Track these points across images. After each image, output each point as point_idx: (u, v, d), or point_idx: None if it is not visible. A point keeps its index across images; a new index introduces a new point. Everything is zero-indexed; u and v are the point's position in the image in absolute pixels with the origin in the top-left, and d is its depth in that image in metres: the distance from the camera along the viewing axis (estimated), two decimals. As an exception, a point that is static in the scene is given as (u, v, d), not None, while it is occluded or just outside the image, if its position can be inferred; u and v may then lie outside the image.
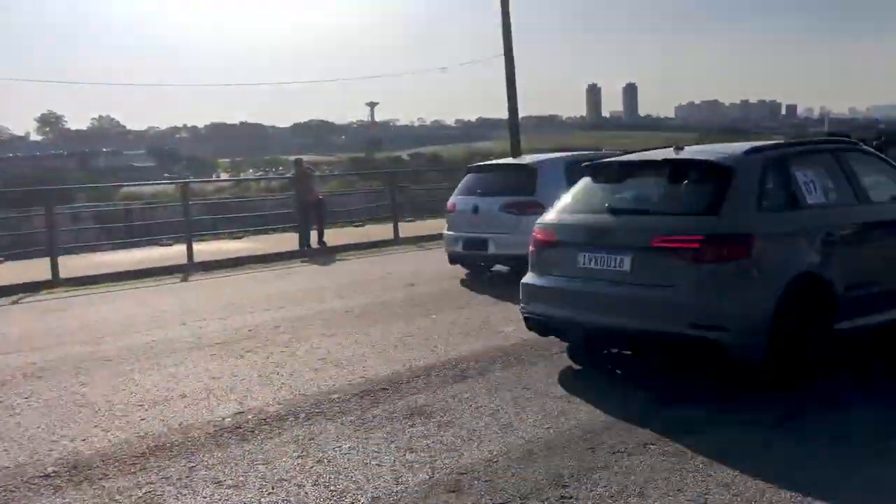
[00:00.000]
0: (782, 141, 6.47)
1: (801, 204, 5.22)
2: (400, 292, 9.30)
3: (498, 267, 9.97)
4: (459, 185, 10.64)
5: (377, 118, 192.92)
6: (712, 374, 5.05)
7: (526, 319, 5.83)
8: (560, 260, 5.59)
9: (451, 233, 10.28)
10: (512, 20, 21.87)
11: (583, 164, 6.21)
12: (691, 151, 5.79)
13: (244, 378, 5.68)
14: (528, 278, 5.84)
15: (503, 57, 22.15)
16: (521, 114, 25.71)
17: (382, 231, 16.07)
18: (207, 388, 5.44)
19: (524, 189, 9.30)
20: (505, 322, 7.09)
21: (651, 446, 3.95)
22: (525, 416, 4.53)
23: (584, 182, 5.96)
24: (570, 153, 10.77)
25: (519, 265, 7.16)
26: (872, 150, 6.83)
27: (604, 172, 5.99)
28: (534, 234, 5.85)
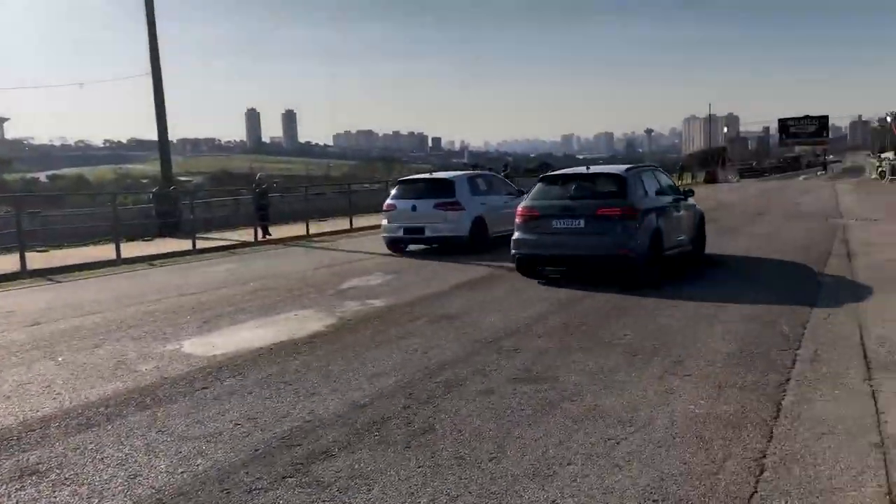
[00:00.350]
0: (635, 164, 12.14)
1: (649, 195, 10.42)
2: (21, 333, 8.15)
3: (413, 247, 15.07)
4: (394, 192, 15.49)
5: (7, 136, 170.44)
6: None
7: (518, 259, 10.56)
8: (540, 225, 10.22)
9: (392, 224, 14.74)
10: (163, 41, 20.87)
11: (540, 175, 12.46)
12: (600, 168, 12.02)
13: None
14: (518, 236, 10.39)
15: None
16: (177, 135, 24.58)
17: (7, 263, 14.00)
18: None
19: (448, 194, 14.47)
20: (143, 360, 6.57)
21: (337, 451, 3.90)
22: (157, 463, 4.19)
23: (540, 185, 10.88)
24: (468, 172, 18.55)
25: (443, 243, 14.42)
26: (661, 169, 12.72)
27: (552, 180, 11.09)
28: (520, 211, 10.52)
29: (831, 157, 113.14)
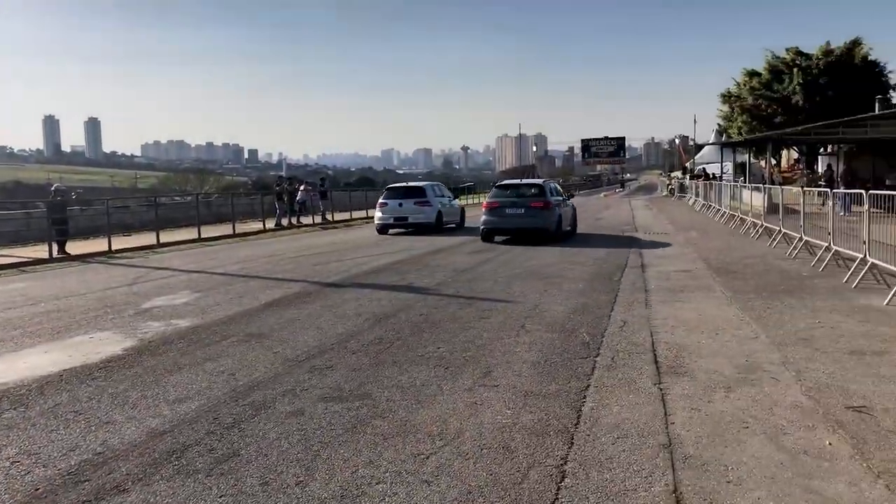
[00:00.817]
0: (546, 179, 25.45)
1: (554, 196, 19.10)
2: None
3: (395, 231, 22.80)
4: (384, 195, 23.50)
5: None
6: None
7: (484, 231, 18.39)
8: (499, 211, 18.23)
9: (385, 215, 22.62)
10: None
11: (494, 183, 28.23)
12: (529, 180, 24.55)
13: None
14: (485, 218, 18.33)
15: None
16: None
17: None
18: None
19: (422, 196, 22.81)
20: None
21: None
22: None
23: (496, 189, 19.77)
24: (432, 182, 27.34)
25: (419, 228, 22.22)
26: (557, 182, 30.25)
27: (503, 186, 19.88)
28: (486, 204, 18.86)
29: (629, 175, 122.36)
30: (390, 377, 5.96)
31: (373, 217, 25.15)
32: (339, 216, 33.94)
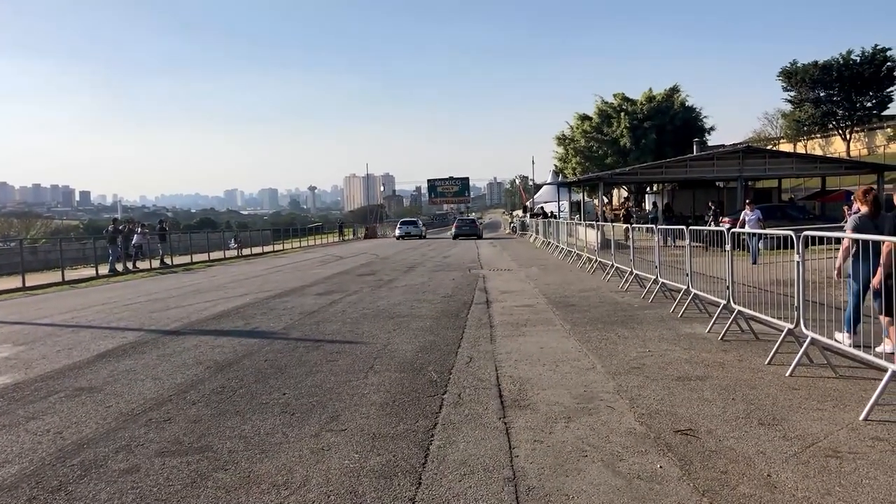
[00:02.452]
0: (479, 215, 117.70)
1: (481, 222, 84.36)
2: None
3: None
4: (401, 222, 63.59)
5: None
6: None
7: (455, 235, 54.04)
8: (460, 227, 56.00)
9: (401, 231, 58.19)
10: None
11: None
12: (472, 216, 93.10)
13: None
14: (453, 230, 56.04)
15: None
16: None
17: None
18: None
19: (415, 224, 62.95)
20: None
21: None
22: None
23: (457, 220, 62.77)
24: (416, 217, 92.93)
25: (417, 237, 58.68)
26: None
27: (461, 221, 60.55)
28: (454, 225, 58.38)
29: (474, 214, 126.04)
30: (233, 427, 5.74)
31: (215, 260, 33.04)
32: (179, 259, 32.54)
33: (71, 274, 24.71)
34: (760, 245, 16.68)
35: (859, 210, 8.15)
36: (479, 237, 53.08)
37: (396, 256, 30.92)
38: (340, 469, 4.72)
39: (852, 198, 9.39)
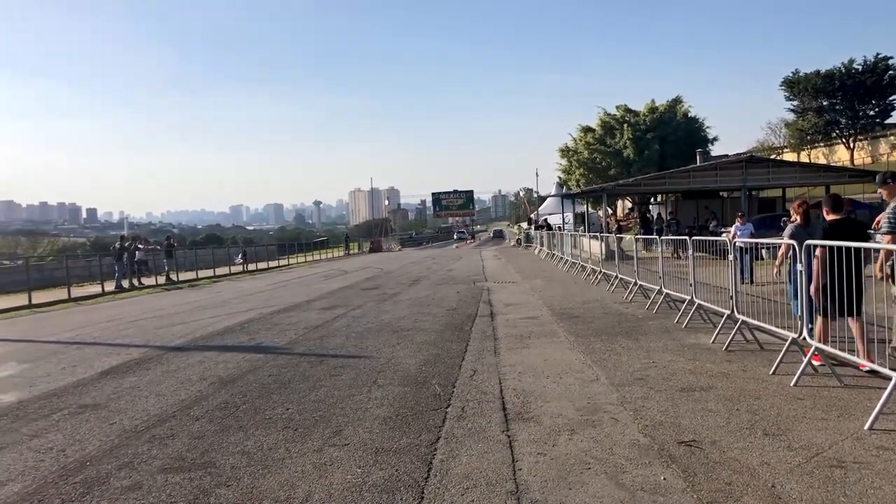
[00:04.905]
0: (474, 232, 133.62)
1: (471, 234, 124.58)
2: None
3: None
4: (458, 231, 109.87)
5: None
6: None
7: (457, 239, 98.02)
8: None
9: (457, 237, 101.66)
10: None
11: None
12: (463, 231, 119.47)
13: None
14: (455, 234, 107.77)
15: None
16: None
17: None
18: None
19: (466, 232, 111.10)
20: None
21: None
22: None
23: (494, 230, 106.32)
24: (465, 227, 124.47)
25: (466, 239, 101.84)
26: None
27: (495, 231, 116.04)
28: (493, 231, 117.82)
29: (478, 226, 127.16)
30: (236, 443, 5.74)
31: (221, 275, 32.62)
32: (184, 275, 32.61)
33: (77, 291, 24.76)
34: (764, 255, 16.60)
35: (796, 220, 8.97)
36: (472, 238, 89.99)
37: (401, 270, 30.94)
38: (343, 484, 4.71)
39: (789, 208, 10.70)
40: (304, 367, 8.95)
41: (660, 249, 13.20)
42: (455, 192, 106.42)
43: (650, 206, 51.12)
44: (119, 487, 4.84)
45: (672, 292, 12.42)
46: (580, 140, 57.04)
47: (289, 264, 47.12)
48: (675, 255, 15.35)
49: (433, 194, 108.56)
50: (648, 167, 49.16)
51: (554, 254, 32.37)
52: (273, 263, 46.89)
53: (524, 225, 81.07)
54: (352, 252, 68.02)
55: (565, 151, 59.24)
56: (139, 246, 29.83)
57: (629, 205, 59.50)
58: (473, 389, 7.30)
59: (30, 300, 21.46)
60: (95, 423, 6.63)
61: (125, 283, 27.34)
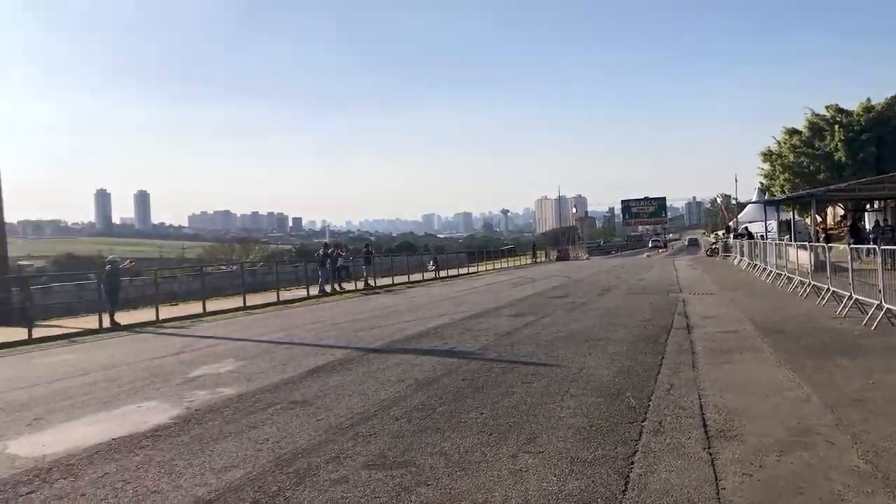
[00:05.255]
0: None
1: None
2: None
3: None
4: (651, 240, 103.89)
5: None
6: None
7: (652, 248, 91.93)
8: (655, 244, 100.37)
9: (651, 246, 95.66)
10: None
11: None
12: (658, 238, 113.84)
13: None
14: (649, 243, 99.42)
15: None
16: (17, 217, 23.05)
17: None
18: None
19: (660, 242, 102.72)
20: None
21: None
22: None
23: (651, 242, 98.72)
24: (658, 236, 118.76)
25: (659, 248, 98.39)
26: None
27: (653, 241, 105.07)
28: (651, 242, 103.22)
29: (671, 235, 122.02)
30: (434, 444, 5.93)
31: (415, 281, 35.20)
32: (381, 281, 34.20)
33: (284, 294, 26.69)
34: None
35: None
36: (664, 246, 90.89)
37: (590, 279, 30.51)
38: (539, 491, 4.72)
39: None
40: (496, 372, 9.08)
41: (879, 260, 12.04)
42: (646, 198, 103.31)
43: (865, 213, 46.84)
44: (328, 480, 5.15)
45: (894, 308, 11.29)
46: (785, 143, 53.36)
47: (477, 271, 47.98)
48: (890, 266, 13.95)
49: (623, 202, 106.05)
50: (863, 171, 45.01)
51: (756, 264, 30.51)
52: (462, 270, 47.94)
53: (721, 233, 77.08)
54: (538, 260, 68.02)
55: (768, 155, 55.65)
56: (341, 253, 31.66)
57: (840, 212, 54.84)
58: (671, 404, 7.04)
59: (244, 302, 23.41)
60: (304, 418, 7.11)
61: (328, 288, 29.09)
